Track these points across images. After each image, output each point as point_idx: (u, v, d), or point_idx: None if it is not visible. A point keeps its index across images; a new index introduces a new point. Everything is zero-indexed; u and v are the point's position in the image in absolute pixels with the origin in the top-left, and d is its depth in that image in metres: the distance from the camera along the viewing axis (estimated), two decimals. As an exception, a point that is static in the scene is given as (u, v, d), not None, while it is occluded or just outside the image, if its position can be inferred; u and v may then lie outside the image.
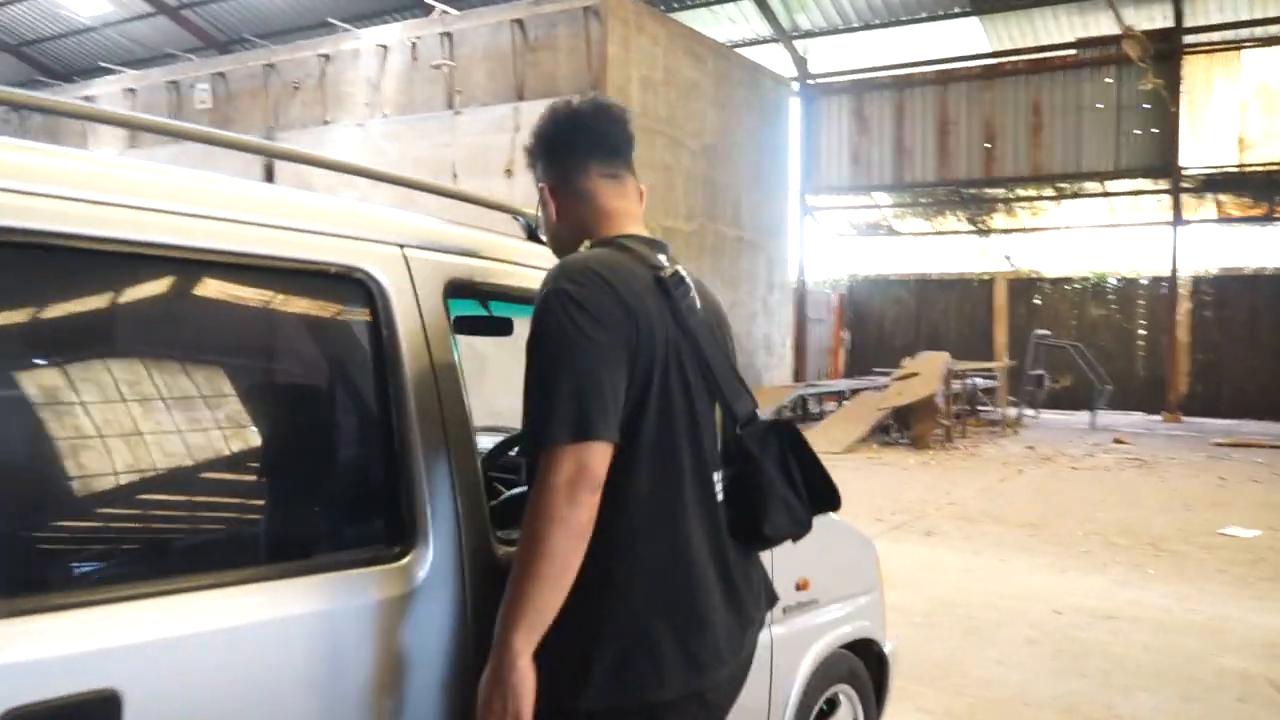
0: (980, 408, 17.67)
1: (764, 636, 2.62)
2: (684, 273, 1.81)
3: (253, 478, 1.70)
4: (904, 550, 7.26)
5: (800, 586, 2.79)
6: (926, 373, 14.07)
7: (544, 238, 2.00)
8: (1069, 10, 18.60)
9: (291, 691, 1.53)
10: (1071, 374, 19.27)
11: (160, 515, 1.57)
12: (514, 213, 2.26)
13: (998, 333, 21.18)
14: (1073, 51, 19.10)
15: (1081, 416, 18.15)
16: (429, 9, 17.12)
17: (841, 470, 11.47)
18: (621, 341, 1.60)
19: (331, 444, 1.79)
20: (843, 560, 3.09)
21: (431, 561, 1.70)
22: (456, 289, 1.91)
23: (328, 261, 1.70)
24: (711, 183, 17.51)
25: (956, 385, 15.69)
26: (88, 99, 20.03)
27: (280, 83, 17.39)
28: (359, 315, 1.76)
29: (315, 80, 17.07)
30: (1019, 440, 15.03)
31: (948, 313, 22.45)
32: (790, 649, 2.74)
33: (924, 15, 19.54)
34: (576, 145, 1.85)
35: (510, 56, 15.30)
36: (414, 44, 16.06)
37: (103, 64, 21.54)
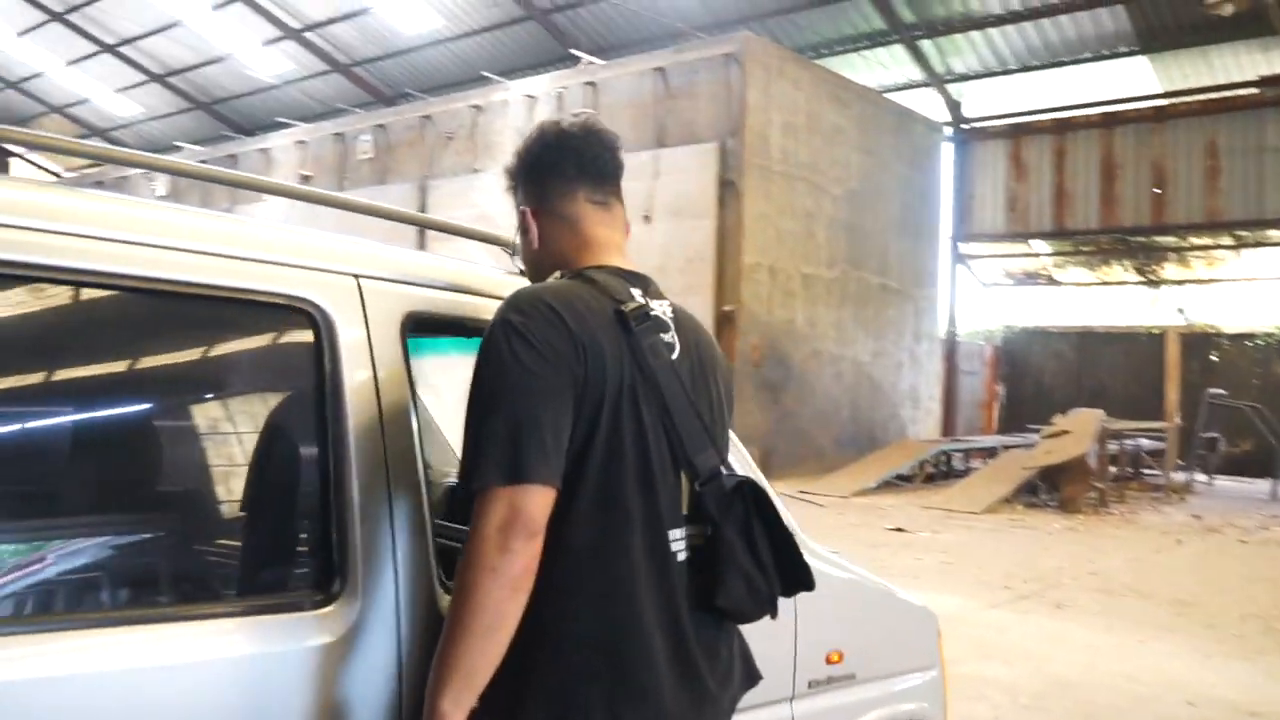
0: (1145, 471, 16.44)
1: (782, 712, 2.42)
2: (659, 309, 1.67)
3: (162, 514, 1.64)
4: (1027, 622, 6.73)
5: (831, 660, 2.55)
6: (1078, 431, 13.19)
7: (520, 266, 1.88)
8: (1249, 47, 17.38)
9: None
10: (1252, 438, 17.70)
11: (56, 548, 1.52)
12: (498, 242, 2.14)
13: (1169, 391, 19.77)
14: (1254, 90, 17.82)
15: (1261, 485, 16.60)
16: (577, 60, 17.55)
17: (976, 532, 10.85)
18: (567, 378, 1.49)
19: (255, 483, 1.71)
20: (891, 632, 2.81)
21: (360, 610, 1.58)
22: (419, 323, 1.81)
23: (269, 291, 1.62)
24: (855, 229, 17.17)
25: (1115, 446, 14.66)
26: (264, 150, 21.50)
27: (435, 133, 18.17)
28: (301, 349, 1.67)
29: (467, 130, 17.76)
30: (1185, 508, 13.86)
31: (1114, 368, 21.12)
32: (816, 729, 2.49)
33: (1088, 55, 18.66)
34: (565, 167, 1.74)
35: (651, 104, 15.49)
36: (560, 94, 16.49)
37: (279, 119, 23.05)
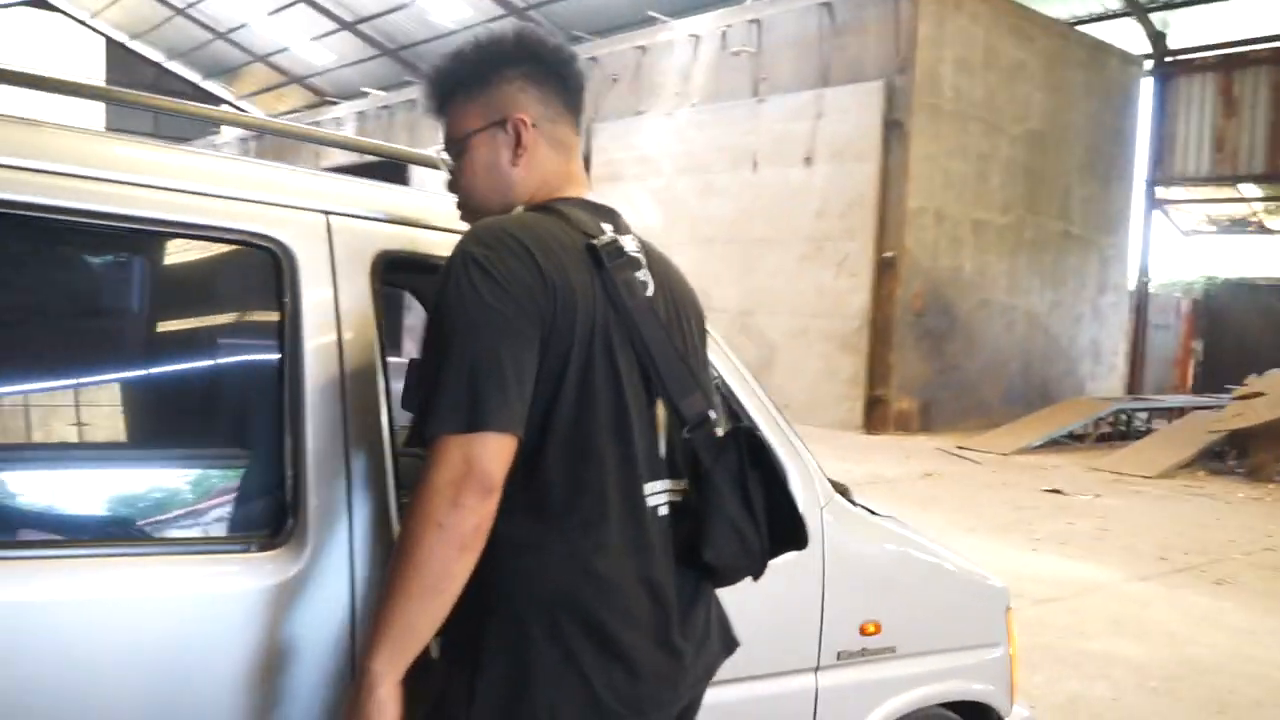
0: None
1: (805, 682, 2.31)
2: (631, 244, 1.56)
3: (112, 450, 1.66)
4: (1177, 598, 6.24)
5: (867, 630, 2.41)
6: (1275, 393, 12.05)
7: (467, 183, 1.63)
8: None
9: (97, 685, 1.40)
10: None
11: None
12: (425, 163, 1.99)
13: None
14: None
15: None
16: (742, -2, 17.12)
17: (1144, 497, 10.14)
18: (533, 316, 1.37)
19: (207, 422, 1.72)
20: (944, 605, 2.62)
21: (312, 552, 1.54)
22: (392, 263, 1.75)
23: (229, 228, 1.58)
24: (1034, 172, 16.14)
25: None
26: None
27: (601, 75, 18.14)
28: (261, 287, 1.64)
29: (632, 72, 17.68)
30: (1400, 483, 12.49)
31: (1333, 326, 19.14)
32: (846, 703, 2.36)
33: (1317, -24, 16.69)
34: (565, 91, 1.62)
35: (816, 41, 14.95)
36: (724, 33, 16.16)
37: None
